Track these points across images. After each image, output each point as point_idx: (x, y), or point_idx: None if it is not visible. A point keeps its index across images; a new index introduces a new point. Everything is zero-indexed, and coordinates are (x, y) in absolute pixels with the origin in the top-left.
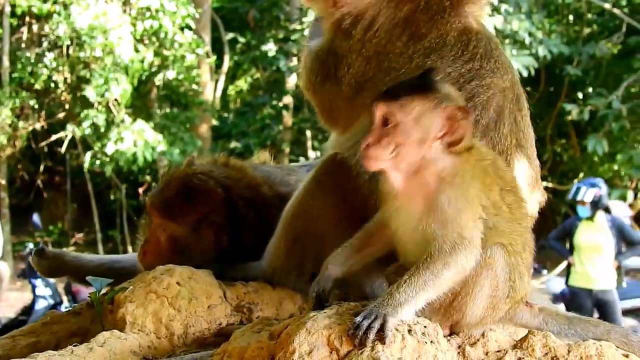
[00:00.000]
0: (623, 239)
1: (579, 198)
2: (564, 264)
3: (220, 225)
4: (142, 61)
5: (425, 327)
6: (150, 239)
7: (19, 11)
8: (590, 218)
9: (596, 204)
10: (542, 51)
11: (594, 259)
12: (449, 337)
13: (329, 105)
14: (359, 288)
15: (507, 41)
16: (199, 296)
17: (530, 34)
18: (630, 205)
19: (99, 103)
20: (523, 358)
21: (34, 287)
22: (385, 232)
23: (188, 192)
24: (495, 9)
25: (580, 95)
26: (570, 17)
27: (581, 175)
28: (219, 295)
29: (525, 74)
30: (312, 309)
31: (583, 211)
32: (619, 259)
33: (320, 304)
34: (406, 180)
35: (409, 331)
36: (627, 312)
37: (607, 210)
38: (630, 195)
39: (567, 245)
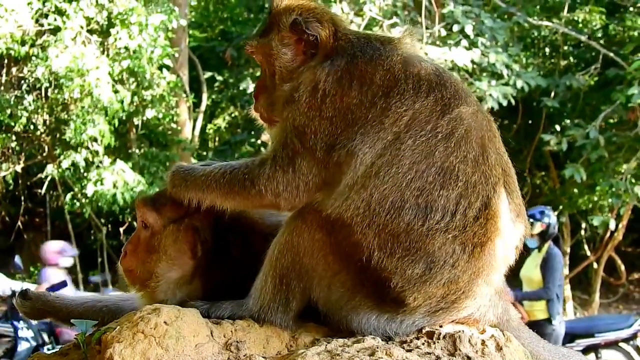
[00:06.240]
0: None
1: None
2: None
3: (199, 232)
4: (121, 102)
5: None
6: (131, 239)
7: None
8: (538, 249)
9: (544, 236)
10: (519, 84)
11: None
12: None
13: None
14: (347, 323)
15: (484, 74)
16: (186, 335)
17: (507, 67)
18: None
19: (78, 144)
20: None
21: (16, 329)
22: None
23: None
24: (473, 43)
25: (558, 127)
26: (547, 50)
27: (560, 207)
28: (206, 333)
29: (505, 103)
30: None
31: (531, 242)
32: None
33: None
34: None
35: None
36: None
37: (555, 239)
38: (612, 223)
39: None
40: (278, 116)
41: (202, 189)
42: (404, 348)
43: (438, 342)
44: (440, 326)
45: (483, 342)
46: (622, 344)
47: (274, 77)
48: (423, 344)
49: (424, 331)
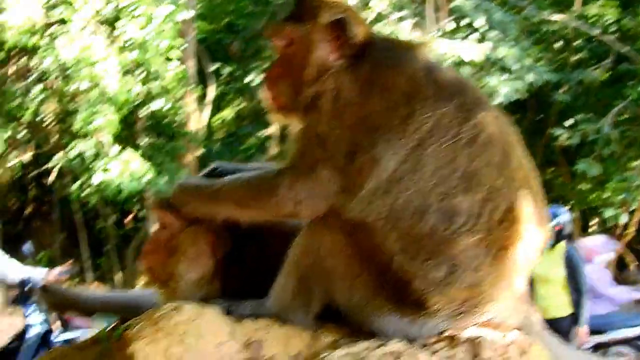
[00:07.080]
0: (572, 278)
1: None
2: None
3: (219, 231)
4: (129, 92)
5: None
6: (151, 240)
7: (6, 47)
8: (552, 247)
9: (558, 235)
10: (530, 78)
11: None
12: None
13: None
14: (368, 325)
15: (493, 68)
16: (206, 333)
17: (518, 61)
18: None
19: (86, 135)
20: None
21: (25, 314)
22: None
23: None
24: (483, 37)
25: (569, 122)
26: (558, 44)
27: (571, 203)
28: (228, 332)
29: (516, 97)
30: None
31: None
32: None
33: None
34: None
35: None
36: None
37: (570, 238)
38: (624, 217)
39: None
40: (297, 121)
41: (212, 208)
42: (427, 351)
43: (459, 346)
44: (462, 330)
45: (505, 347)
46: (636, 341)
47: (301, 69)
48: (444, 347)
49: (445, 335)
